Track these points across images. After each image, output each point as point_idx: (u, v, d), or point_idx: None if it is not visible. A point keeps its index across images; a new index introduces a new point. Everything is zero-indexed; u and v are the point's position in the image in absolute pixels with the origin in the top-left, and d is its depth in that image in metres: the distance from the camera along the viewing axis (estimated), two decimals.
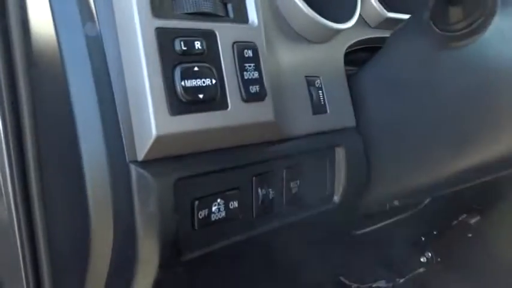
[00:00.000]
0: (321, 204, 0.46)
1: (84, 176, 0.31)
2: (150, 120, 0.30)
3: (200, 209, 0.35)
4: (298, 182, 0.42)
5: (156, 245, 0.32)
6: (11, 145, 0.35)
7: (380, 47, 0.52)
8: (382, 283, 0.86)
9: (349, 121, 0.48)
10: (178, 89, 0.31)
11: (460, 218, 0.77)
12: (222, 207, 0.36)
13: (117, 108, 0.31)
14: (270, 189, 0.40)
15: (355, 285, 0.88)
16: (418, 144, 0.48)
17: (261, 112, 0.36)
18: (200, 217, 0.35)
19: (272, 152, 0.40)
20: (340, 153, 0.47)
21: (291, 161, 0.42)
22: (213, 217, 0.36)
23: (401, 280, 0.86)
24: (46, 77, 0.33)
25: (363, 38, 0.53)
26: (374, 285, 0.86)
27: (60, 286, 0.39)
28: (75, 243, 0.35)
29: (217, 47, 0.34)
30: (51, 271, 0.39)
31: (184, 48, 0.31)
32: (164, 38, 0.31)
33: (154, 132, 0.30)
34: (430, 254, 0.83)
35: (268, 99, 0.37)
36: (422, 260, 0.84)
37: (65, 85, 0.31)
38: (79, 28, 0.31)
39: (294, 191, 0.42)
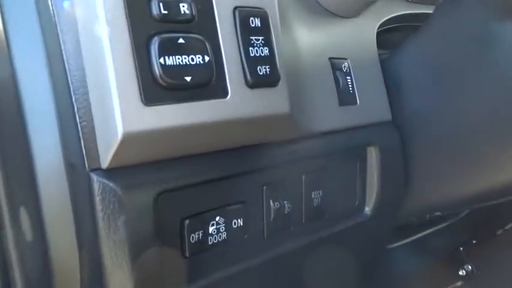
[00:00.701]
0: (348, 218, 0.38)
1: (38, 190, 0.23)
2: (115, 112, 0.21)
3: (192, 230, 0.26)
4: (320, 191, 0.34)
5: (131, 282, 0.24)
6: None
7: (419, 26, 0.42)
8: None
9: (384, 114, 0.39)
10: (156, 68, 0.22)
11: (506, 227, 0.67)
12: (222, 227, 0.28)
13: (73, 99, 0.22)
14: (286, 202, 0.31)
15: None
16: (468, 141, 0.38)
17: (272, 101, 0.27)
18: (192, 241, 0.26)
19: (287, 153, 0.31)
20: (372, 154, 0.38)
21: (311, 165, 0.33)
22: (211, 240, 0.27)
23: None
24: None
25: (400, 13, 0.43)
26: None
27: None
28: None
29: (213, 12, 0.25)
30: None
31: (165, 12, 0.23)
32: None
33: (121, 128, 0.21)
34: (469, 267, 0.73)
35: (282, 85, 0.28)
36: (460, 273, 0.75)
37: (12, 70, 0.23)
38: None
39: (315, 202, 0.34)
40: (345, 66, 0.37)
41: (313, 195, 0.33)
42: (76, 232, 0.24)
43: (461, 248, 0.75)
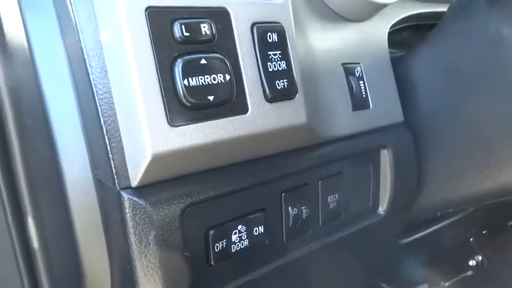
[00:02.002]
0: (363, 219, 0.39)
1: (70, 209, 0.24)
2: (144, 134, 0.22)
3: (217, 240, 0.27)
4: (336, 195, 0.35)
5: None
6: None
7: (431, 25, 0.43)
8: (425, 287, 0.80)
9: (396, 116, 0.40)
10: (180, 90, 0.23)
11: None
12: (244, 235, 0.29)
13: (102, 121, 0.23)
14: (303, 207, 0.32)
15: None
16: (478, 143, 0.39)
17: (290, 114, 0.28)
18: (217, 250, 0.27)
19: (304, 160, 0.32)
20: (386, 156, 0.39)
21: (327, 170, 0.34)
22: (234, 248, 0.28)
23: (447, 284, 0.78)
24: (20, 79, 0.26)
25: (411, 13, 0.44)
26: None
27: None
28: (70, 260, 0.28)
29: (232, 30, 0.26)
30: None
31: (187, 34, 0.23)
32: (158, 21, 0.23)
33: (150, 149, 0.22)
34: (480, 257, 0.74)
35: (299, 97, 0.29)
36: (471, 263, 0.76)
37: (40, 93, 0.24)
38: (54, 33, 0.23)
39: (331, 206, 0.35)
40: (357, 71, 0.37)
41: (329, 199, 0.34)
42: (107, 245, 0.26)
43: (471, 239, 0.76)
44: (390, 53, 0.43)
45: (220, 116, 0.25)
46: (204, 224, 0.27)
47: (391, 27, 0.43)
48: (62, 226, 0.26)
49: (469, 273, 0.77)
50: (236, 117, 0.25)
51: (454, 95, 0.40)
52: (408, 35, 0.49)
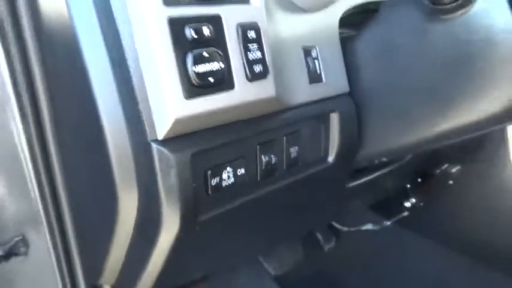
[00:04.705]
0: (316, 165, 0.51)
1: (110, 155, 0.35)
2: (168, 105, 0.34)
3: (212, 177, 0.39)
4: (296, 147, 0.47)
5: (177, 209, 0.37)
6: (32, 125, 0.39)
7: (376, 10, 0.54)
8: (369, 226, 0.94)
9: (343, 88, 0.52)
10: (191, 74, 0.34)
11: (442, 168, 0.83)
12: (231, 175, 0.40)
13: (136, 95, 0.34)
14: (272, 156, 0.44)
15: (346, 228, 0.96)
16: (405, 108, 0.52)
17: (263, 89, 0.39)
18: (213, 184, 0.39)
19: (273, 122, 0.44)
20: (334, 119, 0.50)
21: (290, 129, 0.46)
22: (224, 183, 0.40)
23: (388, 223, 0.93)
24: (64, 65, 0.36)
25: (359, 2, 0.55)
26: (363, 228, 0.94)
27: (87, 243, 0.45)
28: (103, 208, 0.40)
29: (223, 31, 0.36)
30: (76, 230, 0.45)
31: (195, 35, 0.34)
32: (176, 27, 0.34)
33: (172, 115, 0.34)
34: (414, 200, 0.89)
35: (270, 77, 0.40)
36: (406, 204, 0.90)
37: (84, 71, 0.34)
38: (95, 20, 0.33)
39: (293, 155, 0.47)
40: (313, 52, 0.49)
41: (291, 150, 0.46)
42: (137, 180, 0.37)
43: (408, 186, 0.91)
44: (343, 33, 0.54)
45: (216, 92, 0.36)
46: (205, 166, 0.38)
47: (344, 13, 0.54)
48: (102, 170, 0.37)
49: (406, 213, 0.93)
50: (227, 92, 0.37)
51: (387, 70, 0.53)
52: (358, 17, 0.60)
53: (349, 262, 1.04)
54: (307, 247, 1.01)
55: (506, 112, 0.43)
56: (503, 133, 0.81)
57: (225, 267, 0.57)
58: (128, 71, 0.34)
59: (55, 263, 0.46)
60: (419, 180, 0.90)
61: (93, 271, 0.46)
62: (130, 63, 0.34)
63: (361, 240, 0.98)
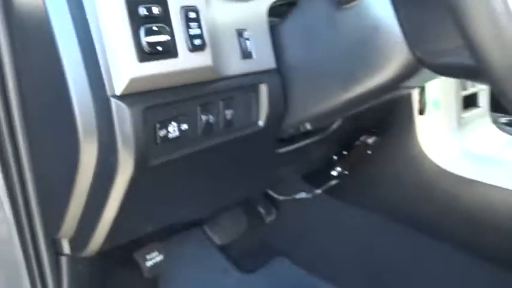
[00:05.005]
0: (249, 127, 0.61)
1: (74, 109, 0.44)
2: (125, 66, 0.43)
3: (160, 129, 0.46)
4: (231, 110, 0.55)
5: (131, 155, 0.46)
6: None
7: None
8: (303, 194, 1.05)
9: (271, 64, 0.62)
10: (143, 43, 0.44)
11: (360, 139, 0.97)
12: (176, 128, 0.48)
13: (99, 59, 0.43)
14: (210, 116, 0.52)
15: (281, 197, 1.07)
16: (321, 81, 0.64)
17: (202, 59, 0.49)
18: (161, 135, 0.46)
19: (211, 88, 0.53)
20: (263, 89, 0.59)
21: (225, 95, 0.55)
22: (170, 135, 0.47)
23: (319, 191, 1.05)
24: (34, 32, 0.44)
25: None
26: (297, 197, 1.05)
27: (47, 196, 0.52)
28: (64, 161, 0.48)
29: (169, 11, 0.46)
30: (36, 183, 0.51)
31: (146, 13, 0.44)
32: (132, 5, 0.43)
33: (128, 75, 0.43)
34: (339, 169, 1.02)
35: (207, 49, 0.50)
36: (333, 173, 1.02)
37: (51, 36, 0.43)
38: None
39: (228, 117, 0.54)
40: (245, 34, 0.59)
41: (226, 113, 0.56)
42: (97, 130, 0.46)
43: (334, 157, 1.03)
44: (273, 21, 0.65)
45: (164, 58, 0.45)
46: (154, 119, 0.46)
47: (272, 3, 0.65)
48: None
49: (334, 182, 1.05)
50: (172, 59, 0.46)
51: (307, 51, 0.64)
52: (285, 8, 0.71)
53: (287, 231, 1.15)
54: (251, 219, 1.10)
55: (392, 81, 0.57)
56: (411, 112, 0.94)
57: (172, 220, 0.66)
58: (91, 40, 0.43)
59: (13, 217, 0.50)
60: (344, 152, 1.02)
61: (52, 224, 0.52)
62: (94, 34, 0.43)
63: (296, 209, 1.09)
